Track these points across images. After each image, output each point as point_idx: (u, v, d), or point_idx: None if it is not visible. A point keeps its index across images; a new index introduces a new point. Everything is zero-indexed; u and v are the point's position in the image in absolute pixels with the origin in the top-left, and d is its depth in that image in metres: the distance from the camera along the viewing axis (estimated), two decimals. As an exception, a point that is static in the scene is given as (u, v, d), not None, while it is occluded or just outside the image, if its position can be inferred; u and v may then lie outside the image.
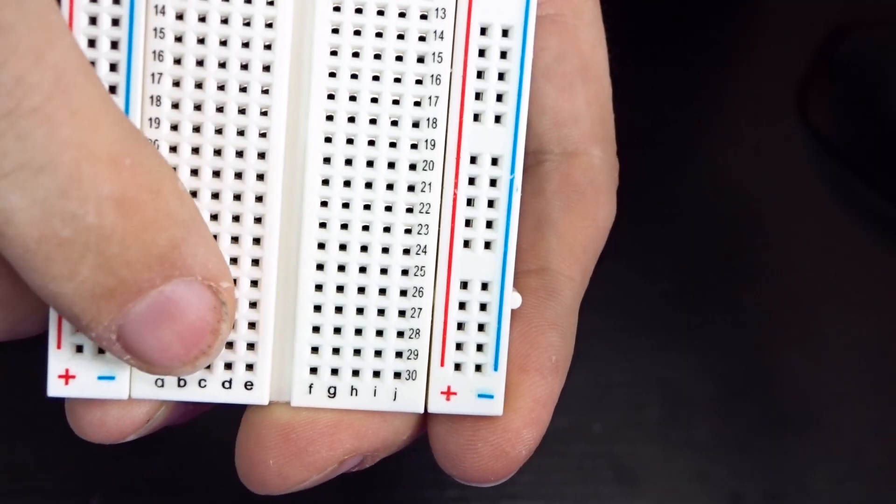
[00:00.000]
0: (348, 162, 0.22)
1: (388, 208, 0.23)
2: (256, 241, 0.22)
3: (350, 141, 0.22)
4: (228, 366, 0.23)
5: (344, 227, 0.23)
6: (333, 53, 0.22)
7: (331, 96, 0.22)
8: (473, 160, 0.23)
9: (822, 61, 0.48)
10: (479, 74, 0.23)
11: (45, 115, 0.18)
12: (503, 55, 0.23)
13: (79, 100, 0.19)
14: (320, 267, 0.23)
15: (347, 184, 0.22)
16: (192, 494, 0.40)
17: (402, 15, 0.22)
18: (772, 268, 0.46)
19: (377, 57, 0.22)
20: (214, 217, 0.22)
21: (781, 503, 0.42)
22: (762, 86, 0.49)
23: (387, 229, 0.23)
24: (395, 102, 0.22)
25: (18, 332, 0.23)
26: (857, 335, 0.45)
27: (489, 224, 0.23)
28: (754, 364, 0.44)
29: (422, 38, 0.22)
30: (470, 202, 0.23)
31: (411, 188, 0.23)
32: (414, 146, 0.23)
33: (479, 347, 0.23)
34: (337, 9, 0.22)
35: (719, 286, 0.45)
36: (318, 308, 0.23)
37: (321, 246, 0.23)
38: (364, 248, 0.23)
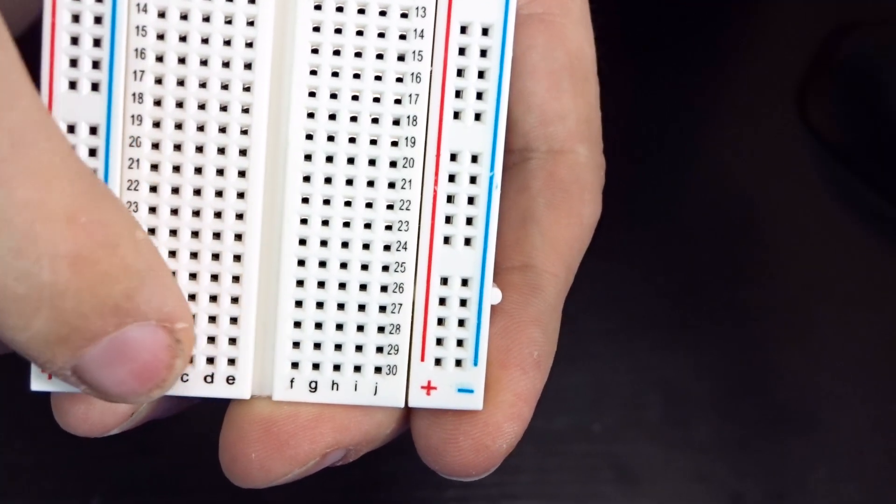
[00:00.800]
0: (329, 159, 0.23)
1: (369, 205, 0.23)
2: (238, 236, 0.23)
3: (331, 138, 0.22)
4: (210, 360, 0.23)
5: (325, 223, 0.23)
6: (315, 51, 0.22)
7: (312, 94, 0.22)
8: (454, 157, 0.23)
9: (822, 61, 0.48)
10: (460, 72, 0.23)
11: (1, 177, 0.19)
12: (483, 53, 0.23)
13: (36, 160, 0.19)
14: (301, 263, 0.23)
15: (328, 181, 0.23)
16: (192, 494, 0.40)
17: (382, 13, 0.22)
18: (772, 268, 0.46)
19: (358, 55, 0.22)
20: (196, 213, 0.22)
21: (781, 503, 0.42)
22: (762, 86, 0.49)
23: (368, 226, 0.23)
24: (376, 100, 0.23)
25: None
26: (858, 335, 0.45)
27: (469, 221, 0.23)
28: (754, 364, 0.44)
29: (402, 37, 0.22)
30: (450, 199, 0.23)
31: (392, 185, 0.23)
32: (394, 143, 0.23)
33: (460, 343, 0.23)
34: (318, 7, 0.22)
35: (719, 286, 0.45)
36: (299, 303, 0.23)
37: (302, 242, 0.23)
38: (345, 245, 0.23)
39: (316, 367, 0.23)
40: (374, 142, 0.23)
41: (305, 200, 0.23)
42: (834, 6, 0.50)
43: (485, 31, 0.23)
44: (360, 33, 0.22)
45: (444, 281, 0.23)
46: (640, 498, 0.42)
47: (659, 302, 0.45)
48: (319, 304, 0.23)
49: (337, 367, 0.23)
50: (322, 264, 0.23)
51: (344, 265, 0.23)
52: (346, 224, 0.23)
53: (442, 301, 0.23)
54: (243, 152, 0.22)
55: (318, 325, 0.23)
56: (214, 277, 0.23)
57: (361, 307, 0.23)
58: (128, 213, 0.21)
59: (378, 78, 0.23)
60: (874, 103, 0.46)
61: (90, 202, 0.20)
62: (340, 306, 0.23)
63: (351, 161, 0.23)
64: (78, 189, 0.20)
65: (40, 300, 0.19)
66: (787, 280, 0.46)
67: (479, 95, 0.23)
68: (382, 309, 0.23)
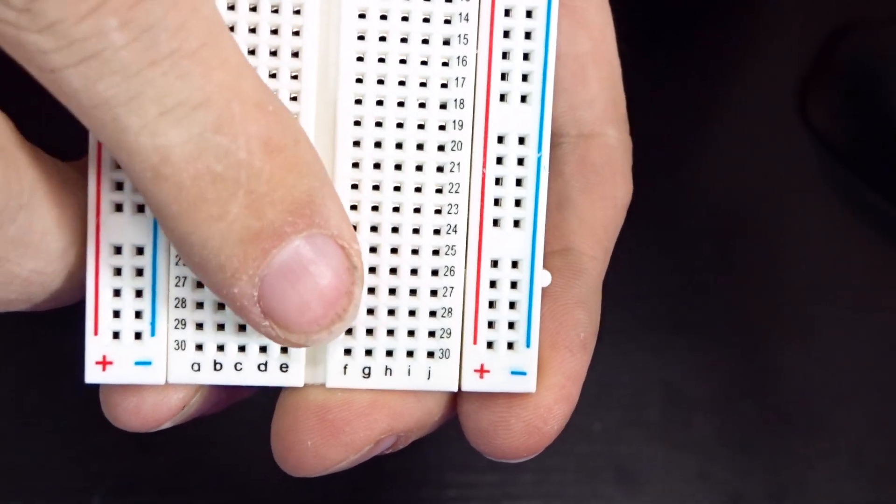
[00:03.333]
0: (377, 144, 0.23)
1: (419, 189, 0.23)
2: None
3: (379, 124, 0.23)
4: (263, 349, 0.23)
5: (375, 209, 0.23)
6: (360, 38, 0.22)
7: (359, 80, 0.22)
8: (501, 140, 0.23)
9: (822, 61, 0.49)
10: (505, 55, 0.23)
11: (202, 58, 0.19)
12: (527, 36, 0.23)
13: (227, 50, 0.20)
14: None
15: (377, 166, 0.23)
16: (193, 494, 0.39)
17: None
18: (772, 267, 0.46)
19: (404, 41, 0.22)
20: None
21: (781, 503, 0.42)
22: (762, 86, 0.49)
23: (417, 210, 0.23)
24: (423, 85, 0.23)
25: (66, 296, 0.23)
26: (858, 335, 0.45)
27: (518, 202, 0.23)
28: (754, 364, 0.44)
29: (447, 21, 0.22)
30: (498, 181, 0.23)
31: (440, 169, 0.23)
32: (442, 127, 0.23)
33: (511, 325, 0.24)
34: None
35: (719, 286, 0.46)
36: None
37: (353, 228, 0.23)
38: (395, 230, 0.23)
39: (369, 353, 0.23)
40: (421, 126, 0.23)
41: (355, 187, 0.23)
42: (834, 6, 0.50)
43: (528, 14, 0.23)
44: (405, 19, 0.22)
45: (495, 263, 0.23)
46: (640, 498, 0.42)
47: (659, 302, 0.45)
48: (371, 290, 0.23)
49: (390, 353, 0.23)
50: (373, 250, 0.23)
51: (395, 250, 0.23)
52: (396, 209, 0.23)
53: (493, 284, 0.23)
54: None
55: (371, 311, 0.23)
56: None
57: (413, 292, 0.23)
58: (300, 125, 0.21)
59: (424, 63, 0.23)
60: (874, 103, 0.46)
61: (273, 97, 0.20)
62: (392, 291, 0.23)
63: (399, 146, 0.23)
64: (262, 83, 0.20)
65: (237, 181, 0.20)
66: (787, 280, 0.46)
67: (525, 77, 0.23)
68: (434, 293, 0.23)
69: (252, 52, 0.22)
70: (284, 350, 0.23)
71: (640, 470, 0.42)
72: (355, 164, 0.23)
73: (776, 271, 0.46)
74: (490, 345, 0.23)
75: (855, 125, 0.47)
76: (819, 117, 0.48)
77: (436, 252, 0.23)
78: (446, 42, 0.22)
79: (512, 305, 0.23)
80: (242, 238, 0.20)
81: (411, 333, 0.23)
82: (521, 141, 0.23)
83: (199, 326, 0.23)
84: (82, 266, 0.22)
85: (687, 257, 0.46)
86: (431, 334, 0.23)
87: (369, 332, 0.23)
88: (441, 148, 0.23)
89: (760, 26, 0.51)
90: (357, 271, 0.21)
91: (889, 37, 0.47)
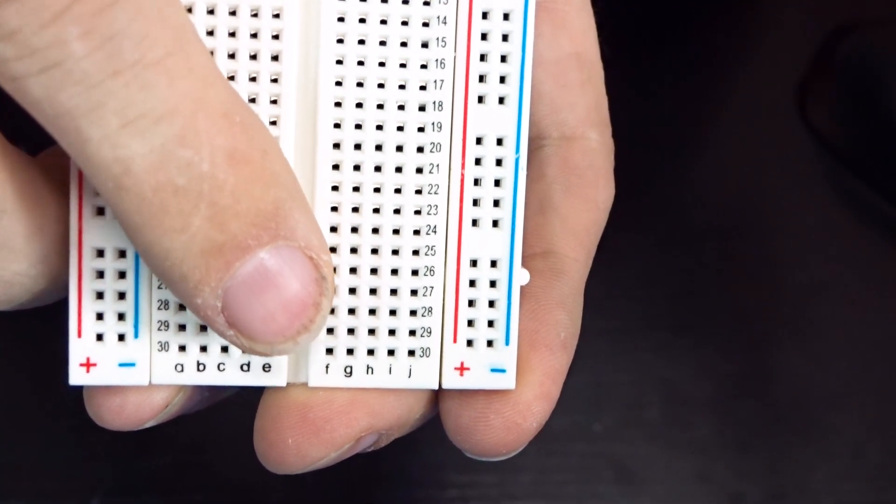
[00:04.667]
0: (357, 147, 0.23)
1: (398, 190, 0.23)
2: None
3: (359, 126, 0.23)
4: None
5: (355, 210, 0.23)
6: (340, 41, 0.23)
7: (338, 83, 0.23)
8: (479, 141, 0.23)
9: (822, 61, 0.49)
10: (482, 57, 0.23)
11: (166, 68, 0.19)
12: (505, 38, 0.23)
13: (194, 59, 0.19)
14: (333, 250, 0.23)
15: (357, 168, 0.23)
16: (193, 494, 0.40)
17: (405, 2, 0.23)
18: (772, 267, 0.46)
19: (382, 44, 0.23)
20: None
21: (781, 503, 0.42)
22: (762, 86, 0.49)
23: (397, 211, 0.23)
24: (402, 87, 0.23)
25: (48, 296, 0.23)
26: (858, 335, 0.45)
27: (496, 203, 0.23)
28: (754, 364, 0.44)
29: (425, 24, 0.23)
30: (477, 182, 0.23)
31: (420, 170, 0.23)
32: (421, 129, 0.23)
33: (491, 323, 0.24)
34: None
35: (719, 286, 0.46)
36: None
37: (333, 229, 0.23)
38: (375, 231, 0.23)
39: (350, 352, 0.23)
40: (400, 128, 0.23)
41: (335, 188, 0.23)
42: (834, 6, 0.50)
43: (506, 17, 0.23)
44: (384, 22, 0.23)
45: (474, 263, 0.24)
46: (640, 498, 0.42)
47: (659, 302, 0.45)
48: (352, 290, 0.23)
49: (371, 352, 0.23)
50: (354, 250, 0.23)
51: (375, 250, 0.23)
52: (376, 210, 0.23)
53: (472, 283, 0.24)
54: None
55: (352, 311, 0.23)
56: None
57: (394, 291, 0.23)
58: (269, 131, 0.21)
59: (403, 65, 0.23)
60: (874, 103, 0.46)
61: (242, 106, 0.20)
62: (373, 291, 0.23)
63: (379, 148, 0.23)
64: (231, 92, 0.20)
65: (200, 194, 0.19)
66: (787, 280, 0.46)
67: (503, 79, 0.23)
68: (414, 292, 0.23)
69: (232, 56, 0.22)
70: None
71: (640, 470, 0.42)
72: (335, 167, 0.23)
73: (776, 271, 0.46)
74: (470, 343, 0.24)
75: (855, 125, 0.47)
76: (819, 117, 0.48)
77: (416, 252, 0.23)
78: (424, 45, 0.23)
79: (491, 304, 0.24)
80: (205, 250, 0.20)
81: (392, 332, 0.23)
82: (500, 142, 0.23)
83: (182, 328, 0.23)
84: (65, 267, 0.22)
85: (687, 257, 0.46)
86: (412, 333, 0.23)
87: (350, 331, 0.23)
88: (420, 150, 0.23)
89: (760, 26, 0.51)
90: (326, 282, 0.21)
91: (889, 37, 0.47)
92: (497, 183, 0.23)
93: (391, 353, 0.24)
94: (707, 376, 0.44)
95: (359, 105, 0.23)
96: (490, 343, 0.24)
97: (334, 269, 0.23)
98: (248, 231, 0.20)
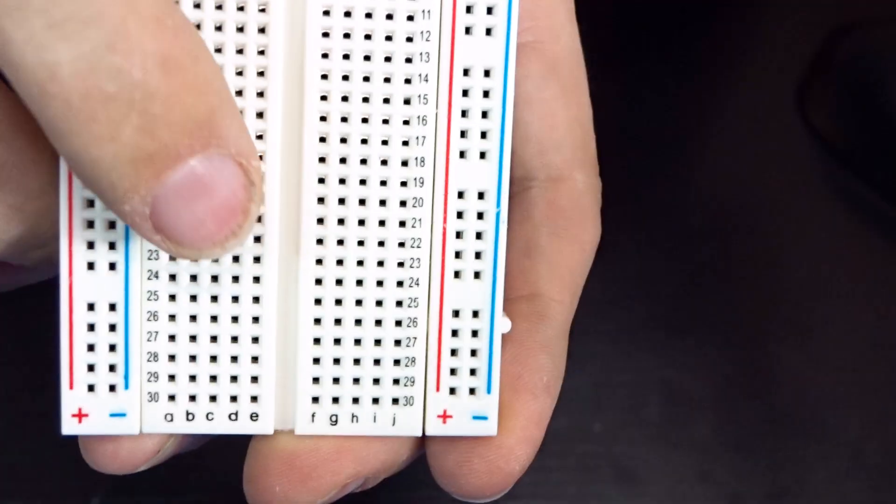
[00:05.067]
0: (341, 201, 0.23)
1: (381, 243, 0.23)
2: (256, 279, 0.23)
3: (342, 181, 0.23)
4: (234, 398, 0.24)
5: (339, 262, 0.23)
6: (324, 98, 0.23)
7: (322, 139, 0.23)
8: (461, 195, 0.24)
9: (822, 61, 0.49)
10: (464, 113, 0.23)
11: None
12: (486, 94, 0.23)
13: None
14: (318, 301, 0.23)
15: (341, 222, 0.23)
16: (193, 495, 0.40)
17: (387, 59, 0.23)
18: (772, 267, 0.46)
19: (365, 100, 0.23)
20: (215, 260, 0.23)
21: (781, 503, 0.42)
22: (762, 86, 0.49)
23: (381, 263, 0.23)
24: (384, 143, 0.23)
25: (41, 254, 0.23)
26: (857, 335, 0.45)
27: (478, 255, 0.24)
28: (754, 364, 0.44)
29: (408, 81, 0.23)
30: (459, 235, 0.24)
31: (402, 224, 0.23)
32: (404, 184, 0.23)
33: (473, 372, 0.24)
34: (325, 55, 0.23)
35: (719, 286, 0.46)
36: (317, 341, 0.24)
37: (318, 282, 0.23)
38: (359, 282, 0.23)
39: (336, 400, 0.24)
40: (384, 183, 0.23)
41: (320, 241, 0.23)
42: (834, 6, 0.50)
43: (486, 73, 0.23)
44: (366, 79, 0.23)
45: (456, 313, 0.24)
46: (640, 498, 0.42)
47: (659, 302, 0.45)
48: (337, 341, 0.24)
49: (356, 400, 0.24)
50: (338, 302, 0.24)
51: (359, 302, 0.24)
52: (360, 263, 0.23)
53: (454, 333, 0.24)
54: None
55: (337, 361, 0.24)
56: (235, 319, 0.23)
57: (377, 342, 0.24)
58: (201, 39, 0.21)
59: (385, 121, 0.23)
60: (874, 103, 0.46)
61: (174, 10, 0.20)
62: (357, 342, 0.24)
63: (362, 202, 0.23)
64: None
65: (131, 102, 0.19)
66: (787, 280, 0.46)
67: (484, 135, 0.24)
68: (398, 343, 0.24)
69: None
70: (254, 399, 0.24)
71: (640, 470, 0.42)
72: (320, 221, 0.23)
73: (776, 271, 0.46)
74: (452, 391, 0.24)
75: (855, 125, 0.47)
76: (819, 117, 0.48)
77: (399, 304, 0.24)
78: (407, 101, 0.23)
79: (473, 353, 0.24)
80: (135, 159, 0.19)
81: (376, 381, 0.24)
82: (481, 196, 0.24)
83: (171, 378, 0.23)
84: (58, 211, 0.22)
85: (687, 257, 0.46)
86: (396, 382, 0.24)
87: (336, 380, 0.24)
88: (403, 203, 0.23)
89: (760, 26, 0.51)
90: (254, 188, 0.21)
91: (889, 37, 0.47)
92: (478, 236, 0.24)
93: (375, 401, 0.24)
94: (707, 376, 0.44)
95: (342, 160, 0.23)
96: (472, 391, 0.24)
97: (322, 319, 0.23)
98: (180, 140, 0.19)
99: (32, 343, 0.40)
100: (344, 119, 0.23)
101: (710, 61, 0.50)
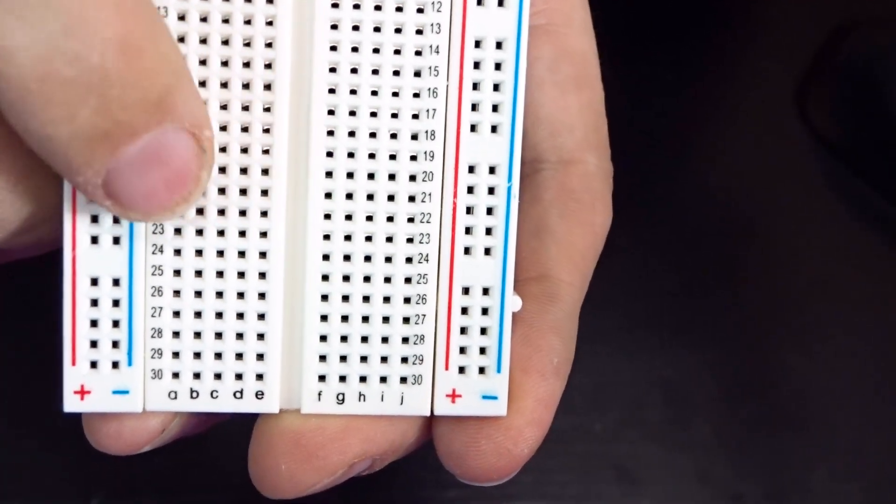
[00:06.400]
0: (350, 175, 0.23)
1: (391, 219, 0.23)
2: (262, 254, 0.23)
3: (351, 155, 0.23)
4: (239, 376, 0.23)
5: (347, 238, 0.23)
6: (332, 70, 0.23)
7: (331, 112, 0.23)
8: (472, 170, 0.23)
9: (822, 61, 0.49)
10: (475, 86, 0.23)
11: None
12: (497, 67, 0.23)
13: None
14: (325, 278, 0.23)
15: (350, 196, 0.23)
16: (193, 494, 0.40)
17: (398, 31, 0.23)
18: (772, 267, 0.46)
19: (375, 73, 0.23)
20: (221, 233, 0.23)
21: (781, 503, 0.42)
22: (762, 86, 0.49)
23: (390, 239, 0.23)
24: (394, 116, 0.23)
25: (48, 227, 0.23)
26: (858, 335, 0.45)
27: (488, 231, 0.24)
28: (754, 364, 0.44)
29: (418, 53, 0.23)
30: (469, 210, 0.23)
31: (412, 199, 0.23)
32: (413, 158, 0.23)
33: (483, 350, 0.24)
34: (335, 27, 0.22)
35: (719, 286, 0.46)
36: (324, 318, 0.23)
37: (326, 257, 0.23)
38: (368, 259, 0.23)
39: (343, 379, 0.24)
40: (393, 157, 0.23)
41: (328, 217, 0.23)
42: (834, 6, 0.50)
43: (498, 45, 0.23)
44: (376, 51, 0.23)
45: (466, 291, 0.24)
46: (640, 498, 0.42)
47: (659, 302, 0.45)
48: (344, 318, 0.23)
49: (363, 379, 0.24)
50: (346, 278, 0.23)
51: (367, 279, 0.23)
52: (369, 238, 0.23)
53: (464, 310, 0.24)
54: (265, 171, 0.23)
55: (344, 339, 0.23)
56: (241, 295, 0.23)
57: (386, 319, 0.23)
58: (159, 13, 0.21)
59: (395, 94, 0.23)
60: (874, 103, 0.46)
61: None
62: (365, 319, 0.23)
63: (371, 177, 0.23)
64: None
65: (89, 86, 0.19)
66: (787, 280, 0.46)
67: (495, 108, 0.23)
68: (406, 320, 0.24)
69: (224, 85, 0.22)
70: (260, 378, 0.23)
71: (640, 470, 0.42)
72: (328, 195, 0.23)
73: (776, 271, 0.46)
74: (462, 370, 0.24)
75: (854, 125, 0.47)
76: (819, 117, 0.48)
77: (408, 280, 0.23)
78: (417, 74, 0.23)
79: (483, 331, 0.24)
80: (91, 138, 0.19)
81: (384, 360, 0.24)
82: (492, 171, 0.23)
83: (176, 355, 0.23)
84: (47, 192, 0.22)
85: (687, 257, 0.46)
86: (404, 360, 0.24)
87: (343, 358, 0.23)
88: (413, 178, 0.23)
89: (760, 26, 0.51)
90: (206, 155, 0.21)
91: (889, 37, 0.47)
92: (489, 211, 0.23)
93: (383, 380, 0.24)
94: (707, 376, 0.44)
95: (351, 134, 0.23)
96: (482, 370, 0.24)
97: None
98: (137, 119, 0.20)
99: (32, 343, 0.40)
100: (353, 91, 0.23)
101: (710, 61, 0.50)
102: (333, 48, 0.23)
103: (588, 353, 0.42)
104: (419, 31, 0.23)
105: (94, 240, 0.22)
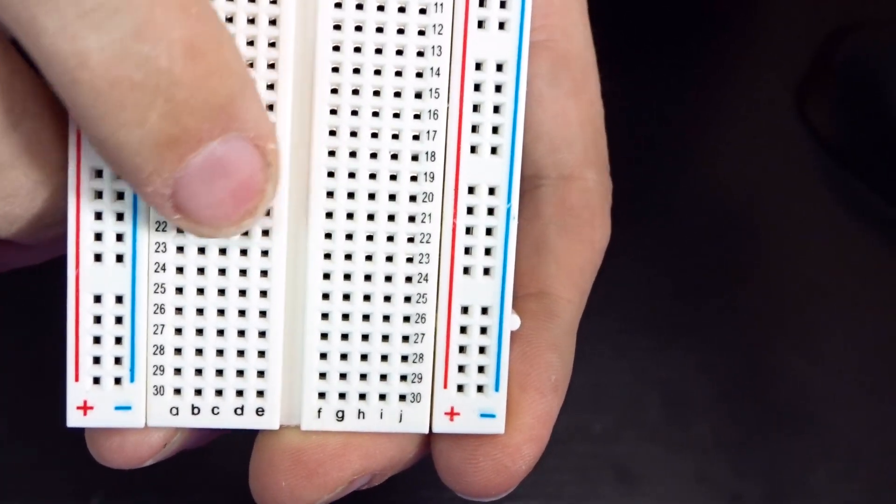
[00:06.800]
0: (350, 195, 0.23)
1: (391, 238, 0.23)
2: (263, 272, 0.23)
3: (352, 175, 0.23)
4: (240, 393, 0.24)
5: (348, 257, 0.23)
6: (334, 91, 0.23)
7: (332, 133, 0.23)
8: (471, 190, 0.23)
9: (822, 61, 0.49)
10: (475, 108, 0.23)
11: None
12: (498, 89, 0.23)
13: None
14: (326, 296, 0.23)
15: (350, 216, 0.23)
16: (193, 494, 0.40)
17: (399, 53, 0.23)
18: (772, 268, 0.46)
19: (376, 93, 0.23)
20: (223, 250, 0.23)
21: (781, 503, 0.42)
22: (761, 87, 0.49)
23: (389, 259, 0.23)
24: (395, 137, 0.23)
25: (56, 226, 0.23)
26: (858, 335, 0.45)
27: (487, 251, 0.24)
28: (754, 364, 0.44)
29: (419, 75, 0.23)
30: (469, 230, 0.24)
31: (412, 219, 0.23)
32: (414, 178, 0.23)
33: (481, 369, 0.24)
34: (336, 48, 0.23)
35: (719, 286, 0.46)
36: (324, 336, 0.24)
37: (326, 276, 0.23)
38: (368, 278, 0.23)
39: (342, 396, 0.24)
40: (394, 177, 0.23)
41: (328, 236, 0.23)
42: (834, 6, 0.50)
43: (499, 67, 0.23)
44: (377, 73, 0.23)
45: (465, 310, 0.24)
46: (640, 498, 0.42)
47: (659, 302, 0.45)
48: (344, 336, 0.24)
49: (363, 397, 0.24)
50: (346, 297, 0.23)
51: (367, 297, 0.23)
52: (369, 257, 0.23)
53: (463, 329, 0.24)
54: None
55: (344, 356, 0.24)
56: (242, 312, 0.23)
57: (385, 338, 0.24)
58: (223, 23, 0.21)
59: (396, 115, 0.23)
60: (874, 103, 0.46)
61: None
62: (365, 337, 0.24)
63: (372, 197, 0.23)
64: None
65: (157, 89, 0.19)
66: (787, 280, 0.46)
67: (495, 130, 0.23)
68: (406, 339, 0.24)
69: None
70: (260, 394, 0.24)
71: (640, 470, 0.42)
72: (329, 215, 0.23)
73: (775, 271, 0.46)
74: (460, 388, 0.24)
75: (854, 125, 0.47)
76: (818, 117, 0.48)
77: (407, 299, 0.23)
78: (418, 95, 0.23)
79: (482, 350, 0.24)
80: (159, 143, 0.20)
81: (384, 378, 0.24)
82: (492, 192, 0.23)
83: (177, 371, 0.23)
84: (63, 182, 0.22)
85: (686, 258, 0.46)
86: (403, 378, 0.24)
87: (343, 376, 0.24)
88: (413, 199, 0.23)
89: (759, 27, 0.51)
90: (271, 168, 0.21)
91: (889, 37, 0.47)
92: (489, 231, 0.24)
93: (382, 397, 0.24)
94: (707, 376, 0.44)
95: (352, 154, 0.23)
96: (480, 388, 0.24)
97: (329, 314, 0.23)
98: (202, 125, 0.20)
99: (32, 344, 0.40)
100: (354, 112, 0.23)
101: (710, 62, 0.50)
102: (335, 70, 0.23)
103: (588, 354, 0.41)
104: (420, 54, 0.23)
105: (98, 257, 0.23)
